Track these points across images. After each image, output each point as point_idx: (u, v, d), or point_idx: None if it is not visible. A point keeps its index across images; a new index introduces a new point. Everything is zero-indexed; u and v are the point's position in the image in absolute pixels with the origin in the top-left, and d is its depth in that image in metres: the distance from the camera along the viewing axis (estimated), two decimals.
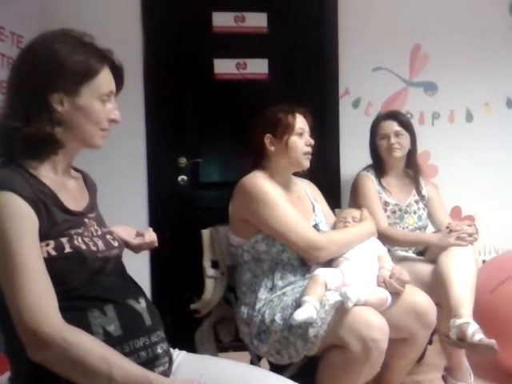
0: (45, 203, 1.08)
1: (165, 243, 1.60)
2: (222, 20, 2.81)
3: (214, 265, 1.96)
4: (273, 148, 1.89)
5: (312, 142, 1.92)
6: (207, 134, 2.84)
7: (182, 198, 2.84)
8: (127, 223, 1.42)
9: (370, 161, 2.49)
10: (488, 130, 2.97)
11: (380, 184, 2.41)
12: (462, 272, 1.99)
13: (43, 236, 1.06)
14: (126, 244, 1.36)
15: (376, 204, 2.32)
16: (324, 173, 2.73)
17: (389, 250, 2.03)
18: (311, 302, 1.61)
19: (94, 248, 1.14)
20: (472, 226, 2.16)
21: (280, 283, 1.81)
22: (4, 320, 1.05)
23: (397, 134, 2.38)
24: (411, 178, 2.48)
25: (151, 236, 1.42)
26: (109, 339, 1.06)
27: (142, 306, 1.17)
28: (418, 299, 1.75)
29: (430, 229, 2.47)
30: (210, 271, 1.95)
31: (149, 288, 2.69)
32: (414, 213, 2.41)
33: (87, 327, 1.05)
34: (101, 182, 1.37)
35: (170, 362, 1.20)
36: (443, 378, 2.24)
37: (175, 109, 2.79)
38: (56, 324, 1.00)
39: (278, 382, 1.25)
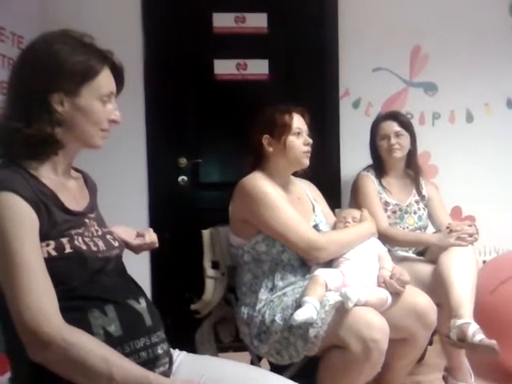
0: (45, 203, 1.08)
1: (165, 243, 1.60)
2: (223, 20, 2.81)
3: (215, 265, 1.96)
4: (271, 149, 1.89)
5: (310, 141, 1.91)
6: (207, 135, 2.84)
7: (183, 199, 2.84)
8: (127, 223, 1.42)
9: (370, 161, 2.49)
10: (488, 131, 2.97)
11: (380, 184, 2.41)
12: (462, 272, 1.99)
13: (44, 236, 1.06)
14: (127, 244, 1.36)
15: (376, 204, 2.32)
16: (324, 173, 2.73)
17: (389, 250, 2.03)
18: (311, 303, 1.61)
19: (94, 248, 1.14)
20: (472, 226, 2.16)
21: (280, 284, 1.81)
22: (4, 320, 1.06)
23: (397, 135, 2.38)
24: (411, 178, 2.48)
25: (151, 237, 1.42)
26: (109, 339, 1.06)
27: (142, 306, 1.17)
28: (419, 300, 1.75)
29: (431, 229, 2.47)
30: (210, 272, 1.95)
31: (149, 288, 2.69)
32: (415, 213, 2.41)
33: (88, 327, 1.05)
34: (101, 183, 1.37)
35: (171, 362, 1.20)
36: (444, 378, 2.24)
37: (175, 109, 2.79)
38: (56, 324, 1.00)
39: (278, 383, 1.25)
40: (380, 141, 2.42)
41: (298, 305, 1.65)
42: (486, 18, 2.93)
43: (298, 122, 1.91)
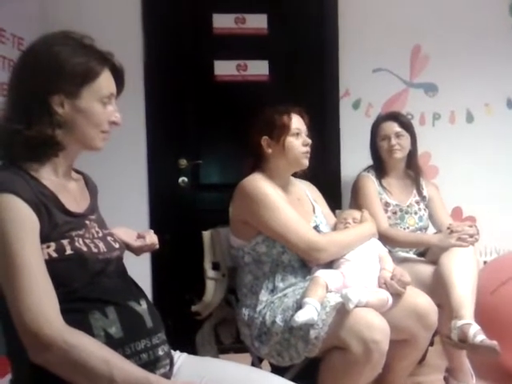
0: (46, 205, 1.08)
1: (165, 245, 1.60)
2: (223, 21, 2.81)
3: (215, 266, 1.96)
4: (270, 150, 1.89)
5: (309, 141, 1.91)
6: (207, 136, 2.84)
7: (183, 200, 2.84)
8: (128, 225, 1.43)
9: (370, 162, 2.49)
10: (488, 131, 2.97)
11: (381, 185, 2.41)
12: (463, 273, 1.99)
13: (44, 238, 1.06)
14: (127, 246, 1.36)
15: (376, 205, 2.32)
16: (324, 174, 2.73)
17: (390, 251, 2.03)
18: (312, 304, 1.61)
19: (95, 250, 1.14)
20: (473, 226, 2.16)
21: (281, 285, 1.81)
22: (5, 322, 1.06)
23: (397, 135, 2.38)
24: (412, 179, 2.48)
25: (152, 238, 1.43)
26: (110, 341, 1.06)
27: (143, 307, 1.17)
28: (419, 300, 1.75)
29: (431, 229, 2.47)
30: (210, 273, 1.95)
31: (150, 290, 2.69)
32: (415, 213, 2.41)
33: (88, 329, 1.05)
34: (102, 184, 1.37)
35: (171, 364, 1.20)
36: (445, 379, 2.24)
37: (176, 110, 2.79)
38: (57, 326, 1.00)
39: None
40: (380, 141, 2.42)
41: (299, 306, 1.65)
42: (486, 18, 2.93)
43: (297, 122, 1.91)
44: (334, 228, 1.98)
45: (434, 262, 2.13)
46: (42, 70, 1.12)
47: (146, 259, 2.69)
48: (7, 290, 1.02)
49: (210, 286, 1.93)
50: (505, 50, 2.94)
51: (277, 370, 1.73)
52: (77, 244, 1.10)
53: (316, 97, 2.81)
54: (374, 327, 1.56)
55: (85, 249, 1.11)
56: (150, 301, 1.22)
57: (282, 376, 1.35)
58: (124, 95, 1.26)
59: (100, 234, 1.20)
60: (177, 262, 2.69)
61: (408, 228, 2.38)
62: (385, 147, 2.40)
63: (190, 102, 2.82)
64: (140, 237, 1.41)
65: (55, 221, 1.09)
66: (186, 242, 2.55)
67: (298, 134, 1.89)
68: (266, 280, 1.82)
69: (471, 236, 2.11)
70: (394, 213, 2.38)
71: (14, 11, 2.24)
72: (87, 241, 1.14)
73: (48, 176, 1.14)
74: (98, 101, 1.15)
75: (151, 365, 1.11)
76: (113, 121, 1.19)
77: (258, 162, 1.93)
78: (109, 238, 1.22)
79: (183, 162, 2.81)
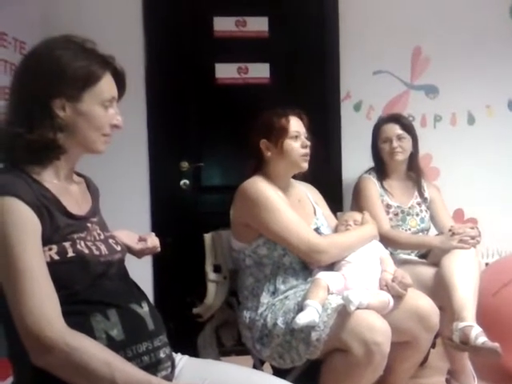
0: (47, 208, 1.08)
1: (167, 248, 1.60)
2: (223, 24, 2.82)
3: (216, 269, 1.96)
4: (269, 153, 1.90)
5: (308, 143, 1.91)
6: (209, 139, 2.85)
7: (184, 203, 2.84)
8: (129, 228, 1.43)
9: (371, 164, 2.49)
10: (490, 133, 2.97)
11: (382, 186, 2.41)
12: (464, 275, 1.99)
13: (46, 240, 1.06)
14: (129, 249, 1.36)
15: (378, 206, 2.32)
16: (326, 176, 2.73)
17: (391, 253, 2.03)
18: (313, 306, 1.61)
19: (96, 252, 1.14)
20: (475, 228, 2.16)
21: (282, 287, 1.81)
22: (7, 325, 1.06)
23: (399, 138, 2.38)
24: (413, 181, 2.48)
25: (154, 241, 1.43)
26: (112, 344, 1.06)
27: (144, 310, 1.17)
28: (421, 302, 1.75)
29: (433, 231, 2.47)
30: (212, 275, 1.95)
31: (151, 292, 2.69)
32: (417, 215, 2.41)
33: (90, 332, 1.05)
34: (103, 187, 1.37)
35: (173, 366, 1.20)
36: (447, 381, 2.23)
37: (177, 113, 2.80)
38: (59, 329, 1.00)
39: None
40: (382, 143, 2.42)
41: (300, 308, 1.65)
42: (487, 20, 2.94)
43: (296, 125, 1.91)
44: (335, 230, 1.99)
45: (436, 263, 2.12)
46: (43, 74, 1.12)
47: (147, 262, 2.69)
48: (9, 292, 1.02)
49: (211, 288, 1.93)
50: (505, 52, 2.95)
51: (278, 372, 1.73)
52: (78, 246, 1.10)
53: (317, 99, 2.82)
54: (376, 329, 1.56)
55: (86, 251, 1.12)
56: (151, 303, 1.22)
57: (284, 378, 1.35)
58: (125, 98, 1.26)
59: (102, 237, 1.20)
60: (178, 265, 2.69)
61: (410, 230, 2.38)
62: (386, 149, 2.40)
63: (192, 105, 2.83)
64: (141, 239, 1.41)
65: (57, 223, 1.09)
66: (188, 244, 2.55)
67: (296, 137, 1.89)
68: (267, 282, 1.82)
69: (473, 238, 2.11)
70: (396, 214, 2.38)
71: (15, 15, 2.25)
72: (89, 243, 1.14)
73: (50, 179, 1.15)
74: (100, 104, 1.16)
75: (153, 367, 1.11)
76: (114, 124, 1.20)
77: (258, 165, 1.93)
78: (110, 241, 1.22)
79: (185, 165, 2.82)
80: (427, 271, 2.14)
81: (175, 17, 2.77)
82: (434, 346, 2.27)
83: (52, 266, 1.05)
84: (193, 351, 1.52)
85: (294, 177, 2.00)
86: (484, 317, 1.95)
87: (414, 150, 2.42)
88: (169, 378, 1.16)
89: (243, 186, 1.85)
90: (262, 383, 1.23)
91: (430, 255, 2.26)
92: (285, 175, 1.94)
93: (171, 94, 2.75)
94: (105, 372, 0.99)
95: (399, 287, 1.72)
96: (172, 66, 2.77)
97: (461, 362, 2.15)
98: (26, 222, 1.04)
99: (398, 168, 2.45)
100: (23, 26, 2.29)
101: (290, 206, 1.84)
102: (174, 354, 1.25)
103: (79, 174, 1.30)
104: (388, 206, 2.38)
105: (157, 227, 2.66)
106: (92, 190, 1.31)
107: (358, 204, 2.37)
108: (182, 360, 1.28)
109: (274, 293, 1.81)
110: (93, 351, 1.00)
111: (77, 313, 1.06)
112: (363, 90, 2.87)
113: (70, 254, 1.08)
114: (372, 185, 2.39)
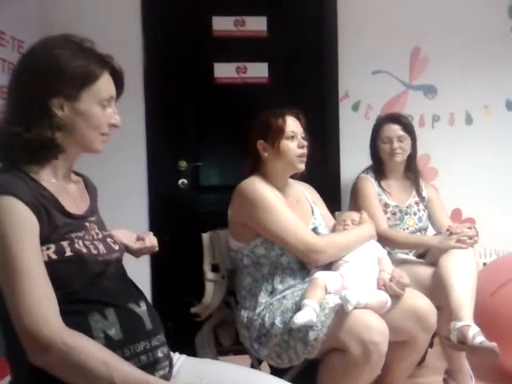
0: (45, 207, 1.08)
1: (165, 247, 1.60)
2: (222, 24, 2.82)
3: (214, 268, 1.96)
4: (266, 154, 1.90)
5: (305, 143, 1.90)
6: (207, 138, 2.85)
7: (183, 202, 2.84)
8: (127, 227, 1.43)
9: (370, 163, 2.49)
10: (488, 133, 2.98)
11: (380, 186, 2.41)
12: (462, 275, 1.99)
13: (44, 240, 1.06)
14: (127, 248, 1.36)
15: (376, 206, 2.33)
16: (324, 176, 2.73)
17: (389, 253, 2.03)
18: (311, 306, 1.61)
19: (94, 251, 1.14)
20: (472, 228, 2.16)
21: (280, 287, 1.81)
22: (5, 324, 1.06)
23: (400, 139, 2.37)
24: (411, 180, 2.48)
25: (152, 240, 1.43)
26: (110, 343, 1.06)
27: (142, 309, 1.17)
28: (419, 302, 1.75)
29: (431, 230, 2.47)
30: (210, 275, 1.95)
31: (149, 292, 2.69)
32: (415, 214, 2.41)
33: (88, 331, 1.05)
34: (101, 186, 1.37)
35: (171, 365, 1.20)
36: (444, 380, 2.24)
37: (175, 113, 2.79)
38: (57, 328, 1.00)
39: None
40: (382, 143, 2.41)
41: (298, 308, 1.65)
42: (486, 20, 2.94)
43: (292, 125, 1.90)
44: (333, 230, 1.99)
45: (434, 263, 2.13)
46: (41, 73, 1.12)
47: (145, 261, 2.69)
48: (7, 291, 1.02)
49: (209, 287, 1.93)
50: (504, 52, 2.95)
51: (276, 371, 1.73)
52: (76, 246, 1.10)
53: (315, 99, 2.82)
54: (373, 329, 1.57)
55: (84, 250, 1.12)
56: (149, 303, 1.22)
57: (282, 378, 1.35)
58: (124, 98, 1.26)
59: (100, 236, 1.20)
60: (176, 264, 2.69)
61: (407, 229, 2.38)
62: (386, 150, 2.40)
63: (190, 105, 2.83)
64: (139, 239, 1.41)
65: (55, 222, 1.09)
66: (186, 243, 2.55)
67: (293, 137, 1.88)
68: (264, 282, 1.82)
69: (470, 238, 2.11)
70: (394, 214, 2.38)
71: (13, 14, 2.25)
72: (87, 242, 1.14)
73: (48, 178, 1.15)
74: (98, 103, 1.16)
75: (150, 367, 1.11)
76: (112, 123, 1.20)
77: (255, 165, 1.93)
78: (108, 240, 1.22)
79: (183, 164, 2.82)
80: (425, 271, 2.15)
81: (174, 16, 2.77)
82: (431, 345, 2.28)
83: (50, 265, 1.05)
84: (191, 350, 1.52)
85: (292, 176, 2.00)
86: (481, 316, 1.96)
87: (412, 150, 2.42)
88: (167, 377, 1.16)
89: (241, 185, 1.85)
90: (260, 383, 1.24)
91: (428, 255, 2.27)
92: (282, 175, 1.94)
93: (170, 94, 2.75)
94: (103, 371, 0.99)
95: (397, 287, 1.72)
96: (170, 65, 2.77)
97: (458, 361, 2.15)
98: (24, 221, 1.04)
99: (397, 168, 2.45)
100: (21, 24, 2.29)
101: (288, 206, 1.84)
102: (171, 353, 1.25)
103: (77, 173, 1.30)
104: (386, 206, 2.38)
105: (155, 226, 2.67)
106: (90, 189, 1.31)
107: (356, 204, 2.37)
108: (179, 359, 1.28)
109: (272, 292, 1.81)
110: (91, 350, 1.00)
111: (75, 312, 1.06)
112: (362, 90, 2.87)
113: (68, 253, 1.08)
114: (370, 184, 2.39)
